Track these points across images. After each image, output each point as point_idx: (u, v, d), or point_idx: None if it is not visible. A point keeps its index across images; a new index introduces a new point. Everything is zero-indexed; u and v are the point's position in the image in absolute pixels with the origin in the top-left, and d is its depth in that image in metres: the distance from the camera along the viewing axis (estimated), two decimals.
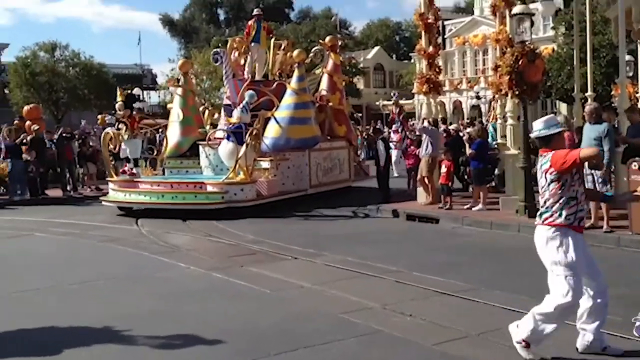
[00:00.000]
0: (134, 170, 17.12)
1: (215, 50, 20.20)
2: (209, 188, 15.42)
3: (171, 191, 15.74)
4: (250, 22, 19.22)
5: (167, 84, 21.04)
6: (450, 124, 27.78)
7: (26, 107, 25.89)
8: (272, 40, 19.44)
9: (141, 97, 43.71)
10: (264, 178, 16.10)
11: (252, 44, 18.87)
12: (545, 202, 5.27)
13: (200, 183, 15.82)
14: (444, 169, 14.68)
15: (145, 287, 8.63)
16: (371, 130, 34.64)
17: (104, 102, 16.64)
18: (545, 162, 5.25)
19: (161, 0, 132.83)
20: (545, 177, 5.23)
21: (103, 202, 16.52)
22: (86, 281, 8.98)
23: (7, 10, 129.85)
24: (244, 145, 15.31)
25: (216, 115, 19.73)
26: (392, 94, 31.42)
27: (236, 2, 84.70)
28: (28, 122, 22.02)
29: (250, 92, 16.16)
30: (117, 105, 17.71)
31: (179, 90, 18.83)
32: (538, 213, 5.41)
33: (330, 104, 19.22)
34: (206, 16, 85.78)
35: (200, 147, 17.75)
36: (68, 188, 20.16)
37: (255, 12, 19.66)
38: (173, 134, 18.21)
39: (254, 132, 15.67)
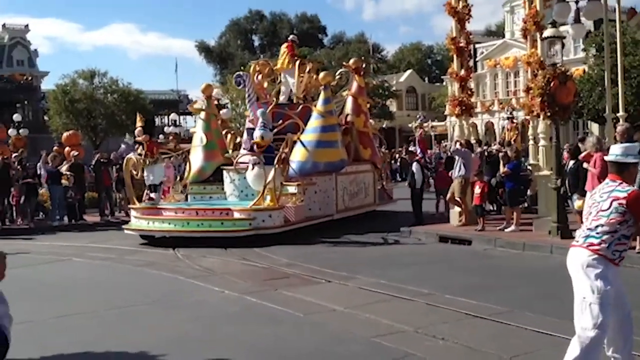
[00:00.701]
0: (152, 196, 16.50)
1: (238, 73, 19.87)
2: (236, 214, 14.90)
3: (196, 218, 15.18)
4: (289, 44, 19.30)
5: (189, 108, 20.92)
6: (487, 144, 27.59)
7: (65, 134, 26.63)
8: (297, 62, 19.13)
9: (177, 122, 44.51)
10: (291, 203, 15.63)
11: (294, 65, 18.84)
12: (596, 227, 5.01)
13: (226, 209, 15.23)
14: (477, 190, 14.66)
15: (181, 311, 8.76)
16: (404, 152, 34.73)
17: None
18: (620, 191, 4.99)
19: (197, 28, 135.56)
20: (611, 204, 4.97)
21: (126, 231, 15.82)
22: (122, 306, 9.15)
23: (46, 38, 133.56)
24: (272, 169, 14.88)
25: (239, 139, 19.42)
26: (417, 116, 31.06)
27: (270, 29, 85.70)
28: (67, 148, 22.60)
29: (261, 110, 15.95)
30: (136, 131, 17.34)
31: (202, 114, 18.32)
32: (582, 234, 5.14)
33: (355, 126, 18.96)
34: (241, 42, 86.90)
35: (225, 172, 17.25)
36: (106, 213, 20.50)
37: (291, 37, 19.79)
38: (196, 159, 17.67)
39: (282, 156, 15.30)
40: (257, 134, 15.33)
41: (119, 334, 7.66)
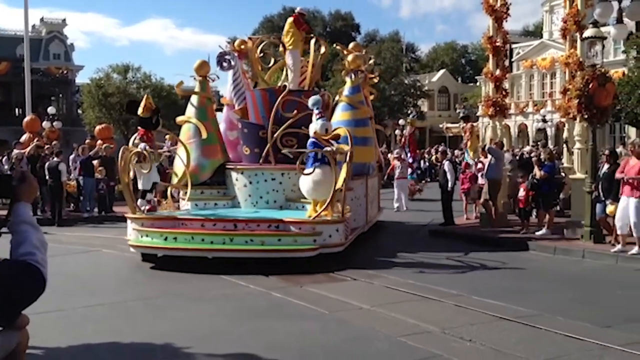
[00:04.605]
0: (139, 202, 12.77)
1: (223, 51, 15.26)
2: (293, 228, 11.59)
3: (241, 233, 11.58)
4: (295, 16, 15.53)
5: (176, 89, 16.45)
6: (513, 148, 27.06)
7: (98, 127, 26.95)
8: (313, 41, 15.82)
9: None
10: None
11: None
12: None
13: (277, 221, 11.79)
14: (522, 193, 14.40)
15: (207, 304, 8.75)
16: (434, 152, 34.57)
17: (171, 123, 15.42)
18: None
19: (232, 25, 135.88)
20: None
21: (132, 249, 12.05)
22: (149, 298, 9.19)
23: (84, 33, 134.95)
24: (343, 172, 11.65)
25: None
26: (409, 112, 28.49)
27: None
28: (99, 141, 22.83)
29: (316, 97, 12.48)
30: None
31: (194, 100, 14.38)
32: None
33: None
34: (272, 43, 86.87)
35: (234, 174, 13.79)
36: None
37: (298, 10, 15.91)
38: (191, 156, 13.53)
39: (349, 155, 11.65)
40: (318, 125, 11.98)
41: (145, 325, 7.69)
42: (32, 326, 3.60)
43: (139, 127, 13.46)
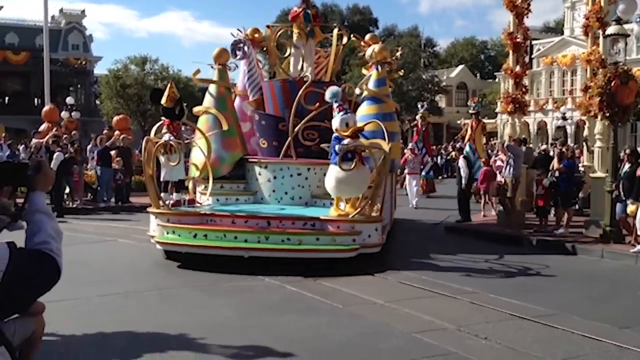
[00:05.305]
0: (163, 196, 12.21)
1: (237, 39, 14.36)
2: (330, 227, 10.89)
3: (278, 231, 10.84)
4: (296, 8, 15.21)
5: (193, 78, 15.29)
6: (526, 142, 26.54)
7: (115, 118, 27.12)
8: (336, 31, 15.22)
9: None
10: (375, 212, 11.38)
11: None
12: None
13: (313, 219, 11.07)
14: (541, 191, 14.25)
15: (221, 296, 8.74)
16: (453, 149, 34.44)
17: (189, 115, 14.88)
18: None
19: (250, 18, 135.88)
20: None
21: (158, 246, 11.25)
22: (165, 288, 9.19)
23: (103, 24, 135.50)
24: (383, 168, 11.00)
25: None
26: (419, 105, 27.65)
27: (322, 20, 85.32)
28: (117, 132, 22.95)
29: (334, 88, 11.40)
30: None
31: (213, 89, 13.52)
32: None
33: None
34: (291, 32, 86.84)
35: (257, 168, 13.03)
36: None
37: None
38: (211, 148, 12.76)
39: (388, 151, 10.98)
40: (337, 120, 10.91)
41: (159, 314, 7.70)
42: (48, 314, 3.61)
43: (162, 118, 12.87)
